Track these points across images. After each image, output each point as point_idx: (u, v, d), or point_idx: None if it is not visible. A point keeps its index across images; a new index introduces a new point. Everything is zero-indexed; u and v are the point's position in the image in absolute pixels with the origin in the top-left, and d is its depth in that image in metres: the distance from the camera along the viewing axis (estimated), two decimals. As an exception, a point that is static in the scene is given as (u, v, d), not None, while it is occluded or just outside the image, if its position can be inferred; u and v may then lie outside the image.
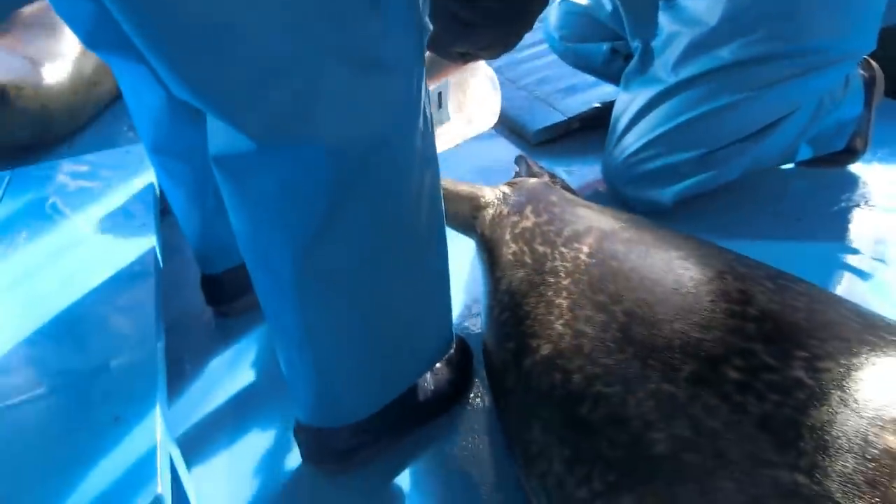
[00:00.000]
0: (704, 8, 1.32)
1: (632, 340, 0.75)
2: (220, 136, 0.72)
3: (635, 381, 0.70)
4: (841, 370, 0.60)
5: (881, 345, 0.63)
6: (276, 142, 0.69)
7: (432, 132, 0.82)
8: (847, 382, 0.58)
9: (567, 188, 1.32)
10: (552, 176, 1.36)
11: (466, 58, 1.04)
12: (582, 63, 1.77)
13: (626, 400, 0.69)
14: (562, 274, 0.89)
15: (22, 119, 1.72)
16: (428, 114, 0.79)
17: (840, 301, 0.75)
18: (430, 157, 0.82)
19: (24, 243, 1.31)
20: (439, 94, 1.14)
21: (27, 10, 1.95)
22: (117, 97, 1.99)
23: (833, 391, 0.58)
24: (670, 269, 0.82)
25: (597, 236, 0.92)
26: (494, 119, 1.19)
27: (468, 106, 1.15)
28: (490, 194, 1.14)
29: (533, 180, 1.19)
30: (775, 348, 0.65)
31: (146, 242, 1.25)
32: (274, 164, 0.70)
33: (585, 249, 0.91)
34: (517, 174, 1.42)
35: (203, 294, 1.30)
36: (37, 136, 1.76)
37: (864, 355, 0.61)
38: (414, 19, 0.72)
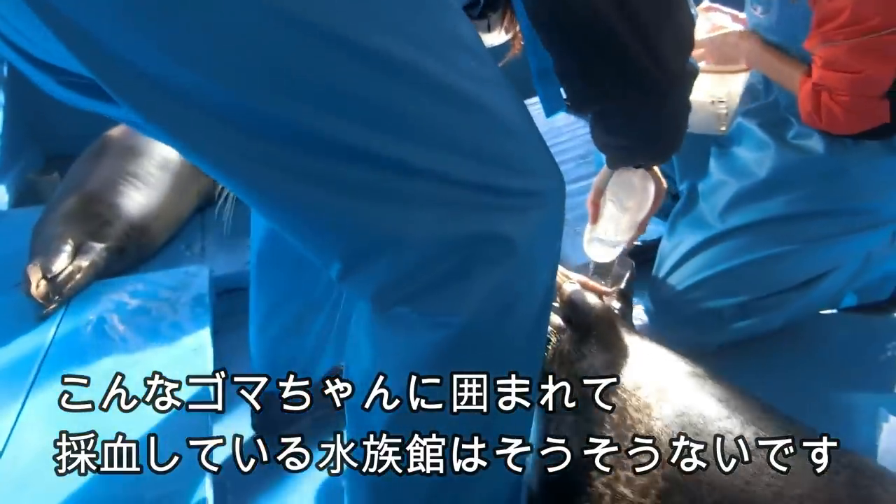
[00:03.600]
0: (754, 159, 1.38)
1: None
2: None
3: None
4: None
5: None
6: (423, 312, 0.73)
7: None
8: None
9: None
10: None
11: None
12: (630, 197, 1.82)
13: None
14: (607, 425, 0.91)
15: (131, 259, 1.76)
16: None
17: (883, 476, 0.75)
18: None
19: (82, 360, 1.35)
20: None
21: (115, 132, 1.97)
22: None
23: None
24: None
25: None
26: None
27: None
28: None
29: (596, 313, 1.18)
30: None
31: (200, 366, 1.28)
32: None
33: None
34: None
35: (252, 418, 1.30)
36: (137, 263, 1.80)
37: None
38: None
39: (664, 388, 0.95)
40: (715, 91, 1.41)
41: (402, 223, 0.67)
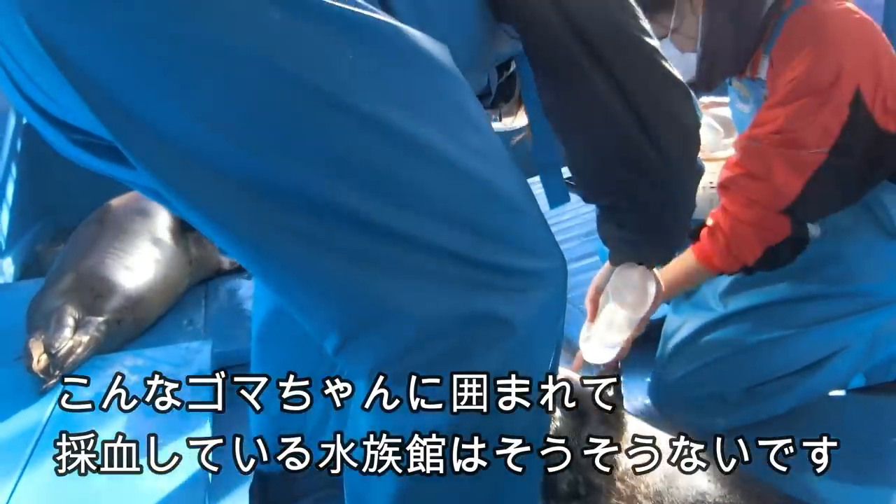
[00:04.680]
0: None
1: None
2: None
3: None
4: None
5: None
6: None
7: None
8: None
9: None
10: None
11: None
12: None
13: None
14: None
15: (128, 333, 1.78)
16: None
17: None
18: None
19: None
20: None
21: (116, 202, 2.04)
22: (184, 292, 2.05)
23: None
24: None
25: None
26: None
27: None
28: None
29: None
30: None
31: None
32: None
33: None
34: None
35: (250, 495, 1.27)
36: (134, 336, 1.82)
37: None
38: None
39: (671, 475, 0.94)
40: (706, 176, 1.43)
41: (399, 296, 0.67)
